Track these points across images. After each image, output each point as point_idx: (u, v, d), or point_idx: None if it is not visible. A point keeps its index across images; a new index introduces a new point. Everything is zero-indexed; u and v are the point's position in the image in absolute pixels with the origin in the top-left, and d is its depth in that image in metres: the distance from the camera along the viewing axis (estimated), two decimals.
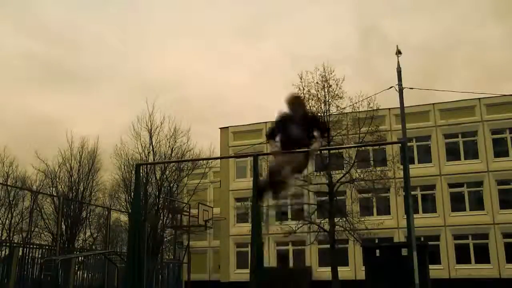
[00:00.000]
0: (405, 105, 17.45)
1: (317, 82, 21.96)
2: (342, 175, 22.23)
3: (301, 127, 5.67)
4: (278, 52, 72.85)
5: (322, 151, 22.76)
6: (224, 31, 77.19)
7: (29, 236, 23.13)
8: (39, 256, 15.33)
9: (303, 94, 21.91)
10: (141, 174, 16.96)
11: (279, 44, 72.71)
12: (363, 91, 27.50)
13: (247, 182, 26.61)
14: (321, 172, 23.17)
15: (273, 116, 5.73)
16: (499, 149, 26.88)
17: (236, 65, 73.51)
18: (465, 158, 27.26)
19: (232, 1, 71.24)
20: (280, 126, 5.73)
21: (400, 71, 17.37)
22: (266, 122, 30.44)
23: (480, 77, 61.26)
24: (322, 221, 22.38)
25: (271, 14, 75.70)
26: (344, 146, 20.89)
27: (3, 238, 29.27)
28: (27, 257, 14.74)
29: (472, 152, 27.30)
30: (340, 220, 22.04)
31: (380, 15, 70.38)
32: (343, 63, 70.79)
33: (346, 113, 22.45)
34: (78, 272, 18.13)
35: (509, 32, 64.68)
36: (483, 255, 25.45)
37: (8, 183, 30.60)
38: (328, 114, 21.96)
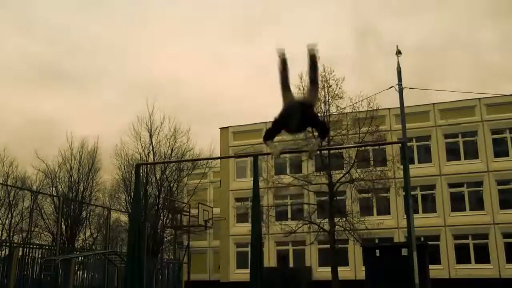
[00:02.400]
0: (405, 105, 17.46)
1: None
2: (342, 175, 22.23)
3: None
4: (276, 53, 72.61)
5: (322, 151, 22.80)
6: (223, 31, 77.22)
7: (29, 236, 23.13)
8: (39, 256, 15.32)
9: (303, 94, 21.89)
10: (141, 174, 16.97)
11: (277, 44, 72.49)
12: (361, 92, 27.52)
13: (247, 182, 26.60)
14: (321, 172, 23.17)
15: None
16: (499, 149, 26.88)
17: (235, 65, 73.57)
18: (465, 158, 27.26)
19: (230, 1, 71.25)
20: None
21: (400, 71, 17.38)
22: (266, 122, 30.44)
23: (478, 77, 61.29)
24: (322, 221, 22.39)
25: (269, 14, 75.74)
26: (344, 146, 20.89)
27: (3, 238, 29.27)
28: (27, 257, 14.73)
29: (472, 152, 27.30)
30: (340, 220, 22.05)
31: (377, 15, 70.42)
32: (340, 64, 70.94)
33: (346, 113, 22.45)
34: (78, 272, 18.12)
35: (507, 32, 64.70)
36: (483, 255, 25.46)
37: (8, 183, 30.59)
38: (328, 114, 21.97)
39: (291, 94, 5.68)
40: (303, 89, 21.81)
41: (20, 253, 14.50)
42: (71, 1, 69.92)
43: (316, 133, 6.05)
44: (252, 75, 70.81)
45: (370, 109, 21.95)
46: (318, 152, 22.64)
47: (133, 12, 74.09)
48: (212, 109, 66.24)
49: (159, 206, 27.84)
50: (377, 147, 25.48)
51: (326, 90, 22.02)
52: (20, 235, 29.82)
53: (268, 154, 7.71)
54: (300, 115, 5.34)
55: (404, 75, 17.36)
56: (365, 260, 16.80)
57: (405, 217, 22.80)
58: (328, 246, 22.61)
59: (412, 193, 21.79)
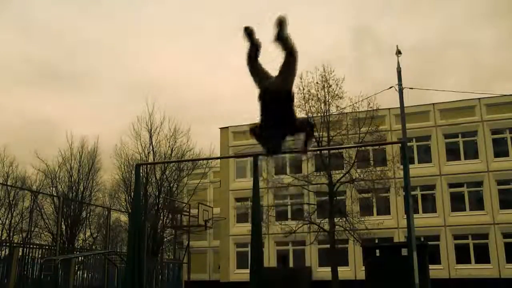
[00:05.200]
0: (405, 105, 17.46)
1: (317, 82, 21.98)
2: (342, 175, 22.23)
3: None
4: (274, 52, 72.61)
5: (322, 151, 22.80)
6: (223, 31, 77.21)
7: (29, 236, 23.12)
8: (39, 256, 15.33)
9: (303, 94, 21.91)
10: (141, 174, 16.96)
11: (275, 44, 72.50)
12: (358, 92, 27.47)
13: (247, 182, 26.61)
14: (321, 172, 23.17)
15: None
16: (499, 149, 26.87)
17: (235, 65, 73.46)
18: (465, 158, 27.26)
19: (230, 1, 71.28)
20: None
21: (400, 71, 17.39)
22: None
23: (477, 78, 61.26)
24: (322, 221, 22.39)
25: (269, 14, 75.55)
26: (344, 146, 20.88)
27: (3, 238, 29.27)
28: (27, 257, 14.75)
29: (472, 152, 27.30)
30: (340, 220, 22.05)
31: (374, 16, 70.41)
32: (339, 64, 70.89)
33: (346, 113, 22.45)
34: (78, 272, 18.14)
35: (506, 32, 64.69)
36: (483, 255, 25.45)
37: (8, 183, 30.58)
38: (328, 114, 21.97)
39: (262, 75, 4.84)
40: (303, 89, 21.87)
41: (20, 253, 14.51)
42: (71, 2, 69.95)
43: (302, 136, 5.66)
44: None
45: (370, 109, 21.95)
46: (318, 152, 22.68)
47: (133, 12, 74.12)
48: (212, 109, 66.28)
49: (159, 206, 27.82)
50: (377, 147, 25.48)
51: (326, 90, 22.02)
52: (20, 235, 29.81)
53: (268, 154, 7.65)
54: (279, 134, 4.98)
55: (403, 75, 17.38)
56: (365, 260, 16.80)
57: (405, 217, 22.78)
58: (328, 246, 22.61)
59: (412, 193, 21.77)
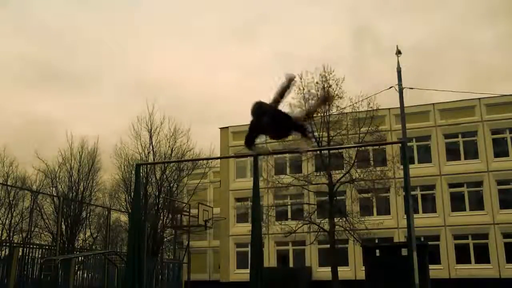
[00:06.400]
0: (405, 105, 17.46)
1: (317, 82, 21.96)
2: (342, 175, 22.23)
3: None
4: (274, 53, 72.77)
5: (322, 151, 22.81)
6: (221, 32, 77.23)
7: (29, 236, 23.10)
8: (39, 256, 15.33)
9: (303, 94, 21.89)
10: (141, 174, 16.96)
11: (274, 45, 72.73)
12: (358, 92, 27.43)
13: (247, 182, 26.61)
14: (321, 172, 23.18)
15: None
16: (499, 149, 26.88)
17: (235, 65, 73.53)
18: (465, 158, 27.26)
19: (228, 2, 71.27)
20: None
21: (400, 71, 17.39)
22: None
23: (475, 78, 61.25)
24: (322, 221, 22.39)
25: (269, 14, 75.74)
26: (344, 146, 20.88)
27: (3, 238, 29.26)
28: (27, 257, 14.74)
29: (472, 152, 27.31)
30: (340, 220, 22.05)
31: (374, 16, 70.42)
32: (339, 64, 70.92)
33: (346, 113, 22.45)
34: (78, 272, 18.13)
35: (506, 32, 64.69)
36: (483, 255, 25.46)
37: (8, 183, 30.57)
38: (328, 114, 21.97)
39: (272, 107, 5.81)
40: (303, 89, 21.87)
41: (20, 253, 14.50)
42: (71, 2, 69.97)
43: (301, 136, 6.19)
44: (252, 75, 70.82)
45: (370, 109, 21.95)
46: (318, 152, 22.69)
47: (133, 12, 74.13)
48: (212, 109, 66.29)
49: (159, 206, 27.80)
50: (377, 147, 25.48)
51: (326, 90, 21.99)
52: (20, 235, 29.80)
53: (267, 154, 7.74)
54: (274, 124, 5.46)
55: (403, 75, 17.37)
56: (365, 260, 16.85)
57: (405, 217, 22.77)
58: (328, 246, 22.61)
59: (412, 193, 21.78)
